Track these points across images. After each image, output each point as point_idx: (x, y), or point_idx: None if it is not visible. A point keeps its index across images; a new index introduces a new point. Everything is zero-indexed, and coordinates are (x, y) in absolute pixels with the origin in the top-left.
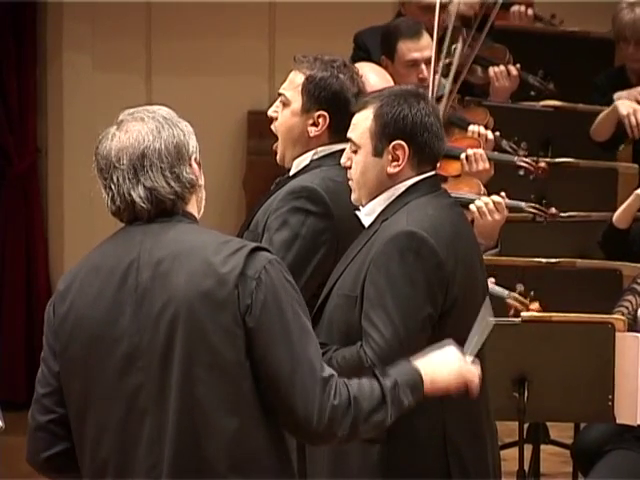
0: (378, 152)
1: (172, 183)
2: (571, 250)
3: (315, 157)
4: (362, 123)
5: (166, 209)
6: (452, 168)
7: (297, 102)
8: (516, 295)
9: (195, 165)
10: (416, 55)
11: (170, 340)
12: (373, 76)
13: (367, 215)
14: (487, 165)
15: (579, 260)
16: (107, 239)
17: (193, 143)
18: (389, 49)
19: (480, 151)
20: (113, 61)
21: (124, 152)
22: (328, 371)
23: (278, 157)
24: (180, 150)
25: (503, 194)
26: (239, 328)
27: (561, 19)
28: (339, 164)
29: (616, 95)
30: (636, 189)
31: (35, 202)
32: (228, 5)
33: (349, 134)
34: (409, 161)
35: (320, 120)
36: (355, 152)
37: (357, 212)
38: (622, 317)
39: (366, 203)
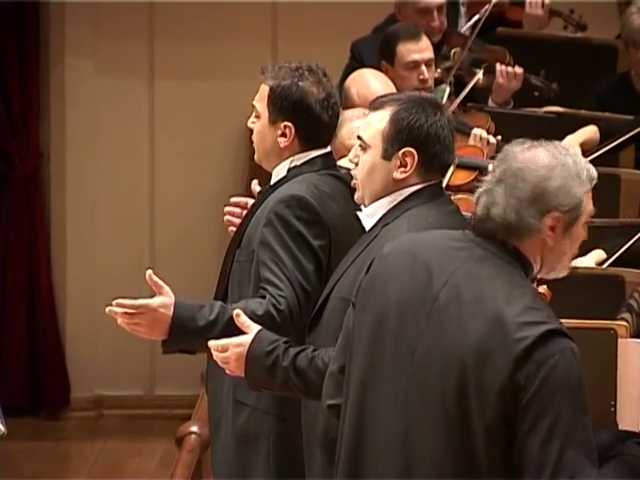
0: (387, 155)
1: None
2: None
3: (292, 165)
4: (376, 123)
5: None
6: (454, 177)
7: (265, 114)
8: None
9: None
10: (416, 57)
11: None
12: (375, 82)
13: (368, 217)
14: None
15: (581, 266)
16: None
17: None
18: (388, 53)
19: None
20: (116, 65)
21: None
22: None
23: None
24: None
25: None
26: None
27: (580, 14)
28: (318, 170)
29: None
30: None
31: (38, 206)
32: (231, 9)
33: (360, 132)
34: (416, 169)
35: (287, 131)
36: (364, 150)
37: (358, 212)
38: (624, 323)
39: (369, 204)
